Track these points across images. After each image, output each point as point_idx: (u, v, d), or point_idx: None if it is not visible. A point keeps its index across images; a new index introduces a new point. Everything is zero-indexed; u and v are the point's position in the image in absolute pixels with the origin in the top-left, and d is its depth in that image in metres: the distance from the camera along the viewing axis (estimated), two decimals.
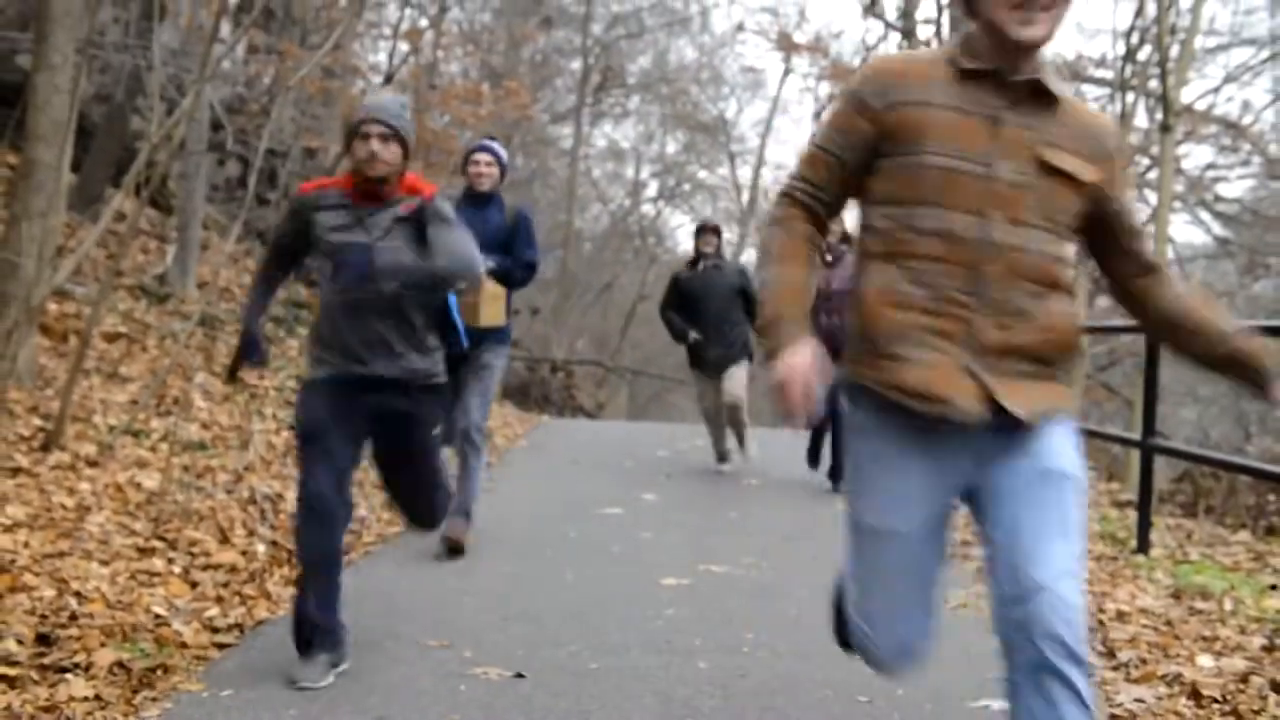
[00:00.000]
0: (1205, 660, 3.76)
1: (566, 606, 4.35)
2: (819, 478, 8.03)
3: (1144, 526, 5.84)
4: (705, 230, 8.50)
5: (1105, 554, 5.70)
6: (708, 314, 8.09)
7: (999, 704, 3.38)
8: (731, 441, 8.61)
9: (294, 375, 8.77)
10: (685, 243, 32.26)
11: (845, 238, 7.30)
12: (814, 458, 8.20)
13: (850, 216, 5.41)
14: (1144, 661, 3.78)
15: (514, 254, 5.41)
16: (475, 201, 5.49)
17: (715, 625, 4.18)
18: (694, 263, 8.36)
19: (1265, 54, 17.29)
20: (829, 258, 7.24)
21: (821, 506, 7.07)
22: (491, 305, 5.16)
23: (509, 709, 3.19)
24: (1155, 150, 16.47)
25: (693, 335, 8.10)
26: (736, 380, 8.12)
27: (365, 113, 3.43)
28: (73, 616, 3.66)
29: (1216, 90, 17.74)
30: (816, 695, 3.41)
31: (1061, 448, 2.20)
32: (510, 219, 5.50)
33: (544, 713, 3.17)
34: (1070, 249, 2.24)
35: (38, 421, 5.68)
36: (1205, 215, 18.82)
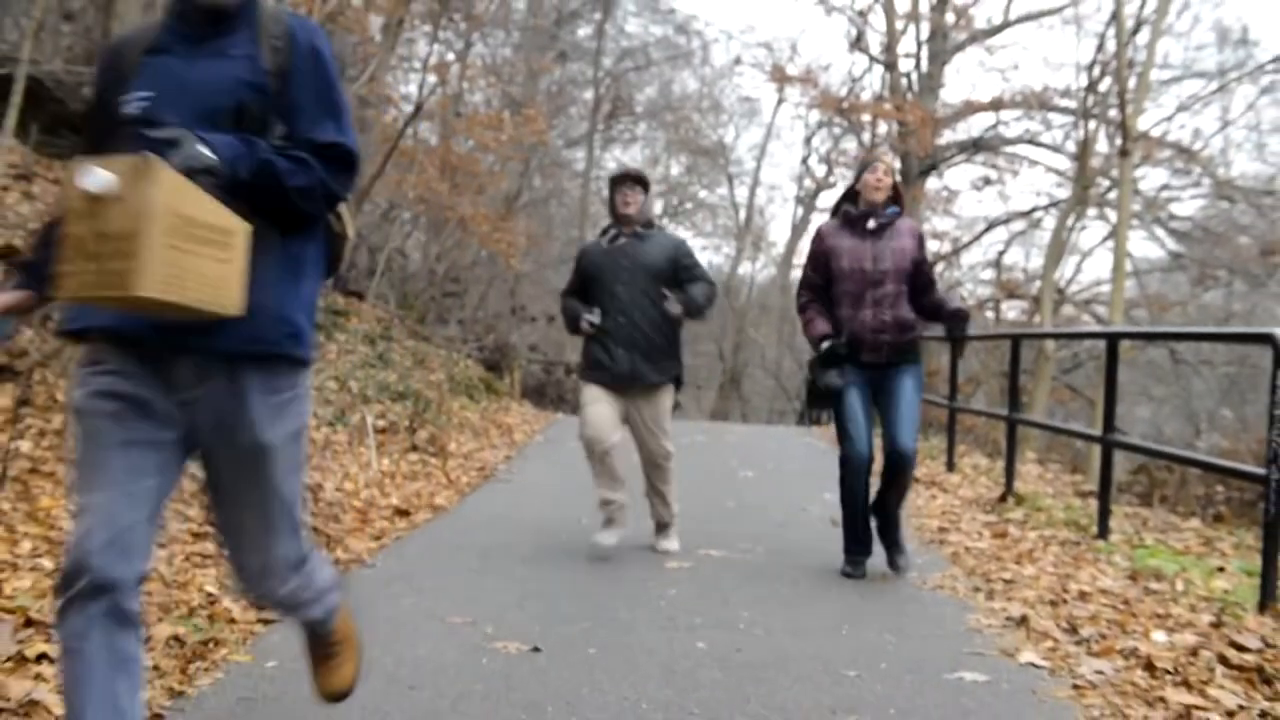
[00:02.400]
0: (1159, 636, 3.76)
1: (578, 587, 4.36)
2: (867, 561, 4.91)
3: (1104, 514, 5.83)
4: (624, 181, 5.19)
5: (1069, 539, 5.69)
6: (618, 302, 5.00)
7: (971, 675, 3.38)
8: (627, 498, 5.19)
9: (333, 377, 8.79)
10: None
11: (896, 194, 4.78)
12: (862, 539, 4.81)
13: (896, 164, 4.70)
14: (1104, 637, 3.78)
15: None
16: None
17: (714, 605, 4.18)
18: (608, 230, 5.24)
19: (1214, 86, 17.25)
20: (871, 223, 4.69)
21: (811, 499, 7.06)
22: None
23: (526, 680, 3.20)
24: (1115, 173, 16.43)
25: (588, 318, 5.03)
26: (656, 413, 5.11)
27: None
28: None
29: (1170, 118, 17.77)
30: (806, 669, 3.40)
31: None
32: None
33: (558, 683, 3.18)
34: None
35: None
36: (1160, 232, 18.78)
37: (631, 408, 5.08)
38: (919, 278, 4.73)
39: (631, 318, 5.00)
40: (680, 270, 5.12)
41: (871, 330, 4.64)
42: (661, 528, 5.30)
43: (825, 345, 4.62)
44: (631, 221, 5.12)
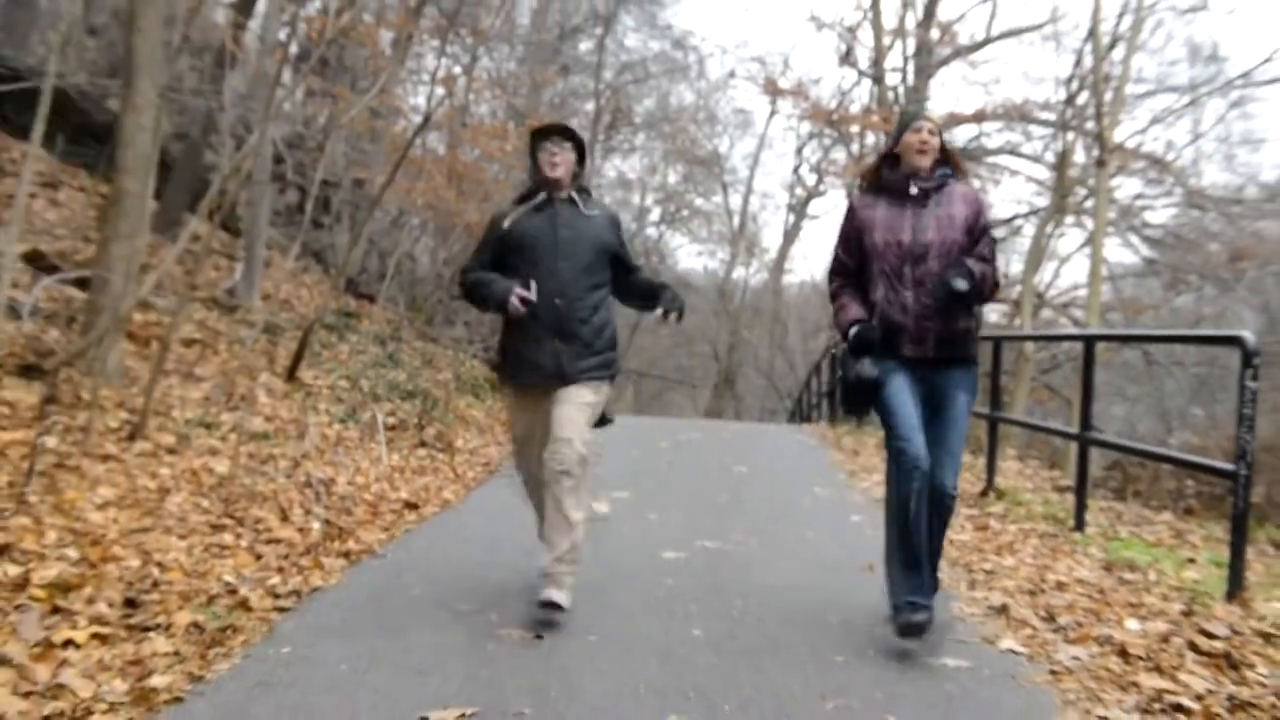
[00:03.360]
0: (1132, 623, 3.77)
1: (580, 577, 4.36)
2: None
3: (1080, 508, 5.84)
4: (548, 136, 4.02)
5: (1047, 532, 5.70)
6: (557, 282, 3.87)
7: (954, 661, 3.39)
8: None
9: (344, 376, 8.79)
10: (685, 260, 32.30)
11: (945, 155, 3.77)
12: (922, 571, 3.58)
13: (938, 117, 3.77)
14: (1080, 624, 3.79)
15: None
16: None
17: (709, 594, 4.19)
18: (530, 195, 4.06)
19: (1185, 100, 17.27)
20: (913, 189, 3.70)
21: (802, 493, 7.07)
22: None
23: (530, 665, 3.20)
24: (1092, 182, 16.44)
25: (520, 293, 3.82)
26: (574, 405, 3.86)
27: None
28: (155, 583, 3.67)
29: (1144, 131, 17.77)
30: (797, 655, 3.41)
31: None
32: None
33: (560, 669, 3.18)
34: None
35: (125, 415, 5.70)
36: (1135, 239, 18.78)
37: (554, 404, 3.85)
38: (974, 253, 3.67)
39: (571, 302, 3.87)
40: (622, 250, 4.09)
41: (915, 315, 3.61)
42: (553, 575, 3.70)
43: (854, 332, 3.66)
44: (561, 186, 3.98)
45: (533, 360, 3.91)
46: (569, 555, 3.75)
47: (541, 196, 3.99)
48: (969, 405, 3.74)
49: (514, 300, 3.81)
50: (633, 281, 4.12)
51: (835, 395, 4.92)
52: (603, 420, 4.05)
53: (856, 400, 3.69)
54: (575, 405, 3.84)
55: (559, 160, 3.96)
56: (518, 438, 4.15)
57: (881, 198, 3.76)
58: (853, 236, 3.80)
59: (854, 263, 3.81)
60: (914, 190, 3.69)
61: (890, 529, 3.61)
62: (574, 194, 4.02)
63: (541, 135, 4.03)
